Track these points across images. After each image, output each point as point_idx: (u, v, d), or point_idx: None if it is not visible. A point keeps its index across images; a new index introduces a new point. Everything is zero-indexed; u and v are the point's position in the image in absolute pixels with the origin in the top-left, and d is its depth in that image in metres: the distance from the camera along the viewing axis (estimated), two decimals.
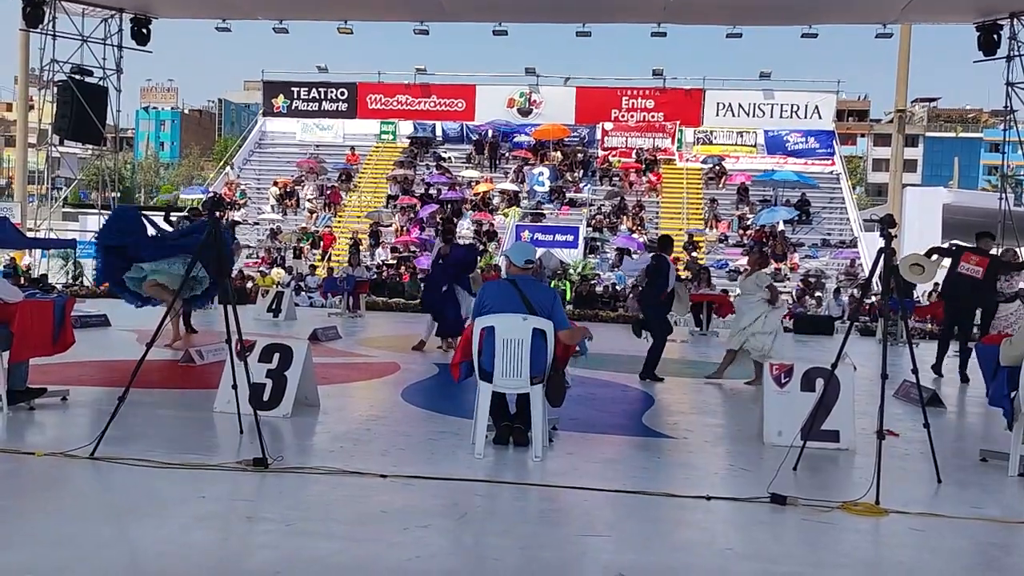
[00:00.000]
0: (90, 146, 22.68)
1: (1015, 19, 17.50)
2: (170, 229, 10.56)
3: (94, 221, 22.28)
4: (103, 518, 3.91)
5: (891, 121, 47.74)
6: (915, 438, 6.27)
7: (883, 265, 4.95)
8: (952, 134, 75.10)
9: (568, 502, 4.45)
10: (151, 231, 9.92)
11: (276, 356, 6.27)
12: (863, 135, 75.27)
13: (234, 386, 5.44)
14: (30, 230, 24.15)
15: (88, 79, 20.65)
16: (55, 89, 20.61)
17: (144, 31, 20.77)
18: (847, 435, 5.83)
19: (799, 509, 4.35)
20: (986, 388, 6.22)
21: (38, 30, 20.08)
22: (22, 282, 18.30)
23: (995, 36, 17.84)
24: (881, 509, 4.33)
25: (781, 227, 28.42)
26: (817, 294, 24.51)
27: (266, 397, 6.06)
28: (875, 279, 5.48)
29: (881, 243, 4.90)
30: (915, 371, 5.20)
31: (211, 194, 30.44)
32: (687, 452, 5.78)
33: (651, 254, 10.89)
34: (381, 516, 4.02)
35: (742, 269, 24.63)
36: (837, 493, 4.65)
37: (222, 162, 38.10)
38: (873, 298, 18.97)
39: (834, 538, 4.00)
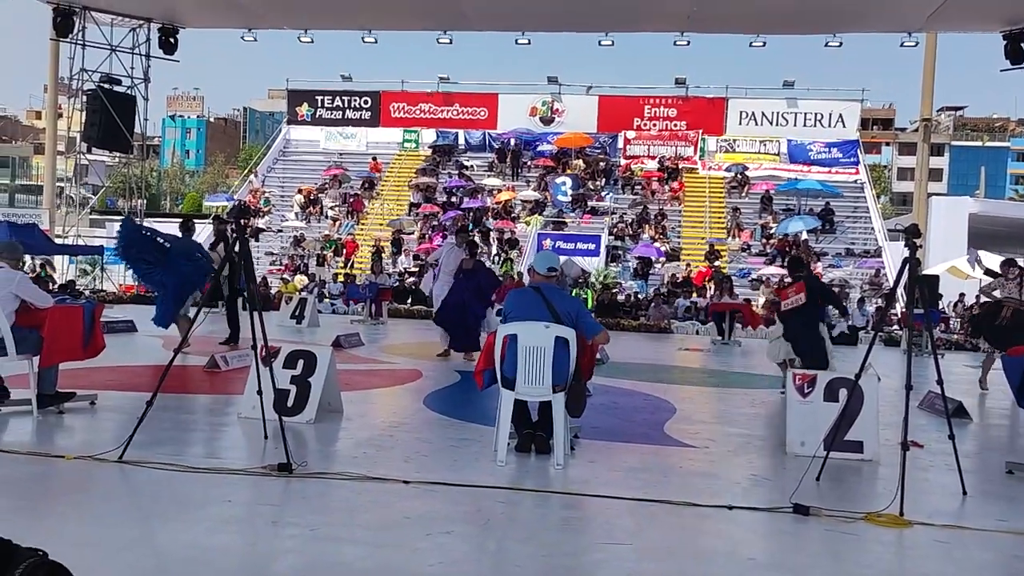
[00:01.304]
0: (118, 154, 22.97)
1: None
2: (179, 237, 10.79)
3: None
4: (130, 521, 3.97)
5: (916, 130, 47.32)
6: (940, 449, 6.22)
7: (908, 276, 4.93)
8: (978, 143, 74.36)
9: (590, 510, 4.46)
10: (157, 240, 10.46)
11: (300, 362, 6.33)
12: (888, 144, 74.70)
13: (259, 392, 5.50)
14: (58, 236, 24.51)
15: (116, 88, 20.94)
16: (84, 98, 20.91)
17: (171, 40, 21.04)
18: (871, 446, 5.80)
19: (822, 520, 4.33)
20: (1015, 399, 6.17)
21: (68, 40, 20.40)
22: (51, 287, 18.57)
23: (1022, 44, 17.67)
24: (905, 520, 4.31)
25: (805, 236, 28.23)
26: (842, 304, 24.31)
27: (290, 403, 6.12)
28: (899, 289, 5.44)
29: (906, 253, 4.87)
30: (940, 382, 5.17)
31: (236, 202, 30.71)
32: (709, 461, 5.77)
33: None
34: (404, 522, 4.05)
35: (765, 279, 24.50)
36: (861, 504, 4.63)
37: (247, 170, 38.45)
38: (898, 308, 18.81)
39: (858, 549, 3.98)
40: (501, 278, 15.07)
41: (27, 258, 22.00)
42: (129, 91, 21.22)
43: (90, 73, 20.81)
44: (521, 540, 3.90)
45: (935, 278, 20.77)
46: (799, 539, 4.12)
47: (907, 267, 4.89)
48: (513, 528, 4.12)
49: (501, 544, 3.87)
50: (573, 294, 18.42)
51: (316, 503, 4.29)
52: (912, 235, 4.78)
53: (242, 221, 5.55)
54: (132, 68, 21.38)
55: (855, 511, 4.43)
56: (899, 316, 19.17)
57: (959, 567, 3.85)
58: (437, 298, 11.49)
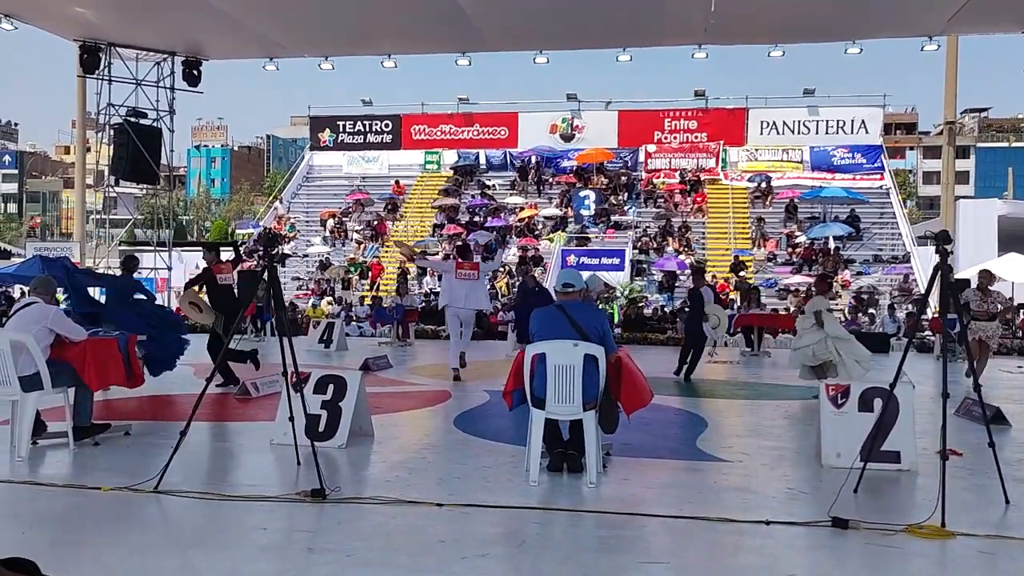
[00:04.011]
0: (145, 185, 23.28)
1: None
2: (116, 277, 9.68)
3: (149, 258, 22.83)
4: (169, 551, 4.00)
5: (940, 133, 46.81)
6: (979, 457, 6.11)
7: (940, 282, 4.87)
8: (1005, 144, 73.45)
9: (626, 529, 4.42)
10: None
11: (331, 387, 6.36)
12: (912, 148, 74.00)
13: (291, 418, 5.53)
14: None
15: (143, 121, 21.26)
16: (111, 132, 21.25)
17: (195, 72, 21.33)
18: (908, 455, 5.71)
19: (862, 533, 4.26)
20: None
21: (95, 76, 20.77)
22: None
23: None
24: (948, 532, 4.23)
25: (832, 244, 27.99)
26: (870, 311, 24.04)
27: (321, 428, 6.14)
28: (931, 296, 5.38)
29: (936, 258, 4.81)
30: (978, 388, 5.09)
31: (262, 228, 30.98)
32: (744, 476, 5.71)
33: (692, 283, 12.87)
34: (439, 545, 4.04)
35: (792, 288, 24.32)
36: (900, 515, 4.55)
37: (272, 197, 38.85)
38: (930, 314, 18.59)
39: (900, 562, 3.92)
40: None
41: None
42: (155, 123, 21.54)
43: (116, 107, 21.13)
44: (558, 561, 3.88)
45: (966, 282, 20.48)
46: (839, 553, 4.06)
47: (939, 274, 4.83)
48: (549, 549, 4.09)
49: (537, 565, 3.85)
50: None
51: (351, 528, 4.30)
52: (943, 241, 4.72)
53: (271, 249, 5.58)
54: (157, 101, 21.69)
55: (895, 523, 4.36)
56: (930, 321, 18.93)
57: None
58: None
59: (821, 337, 9.18)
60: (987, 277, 11.67)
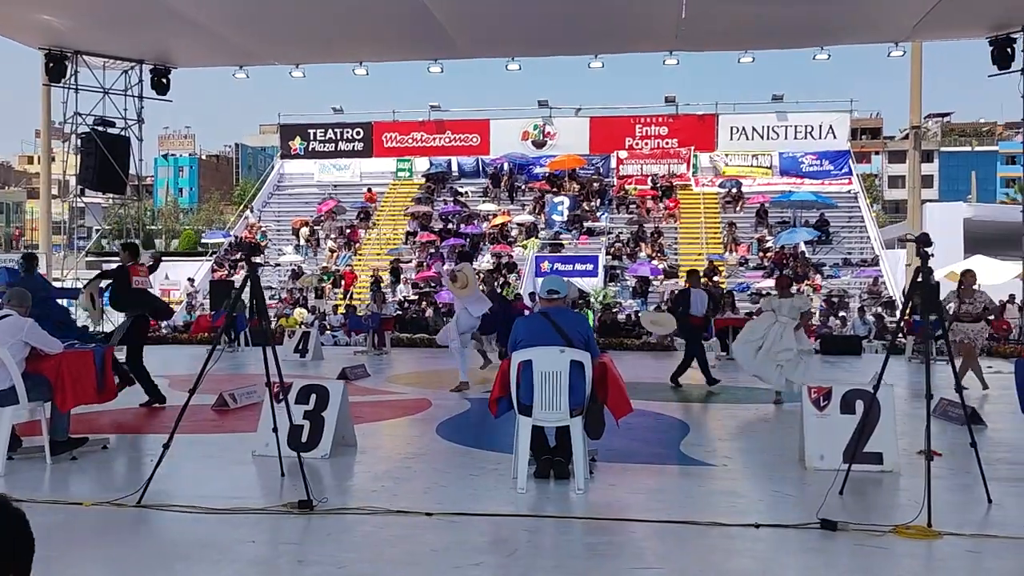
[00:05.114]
0: (112, 195, 22.99)
1: None
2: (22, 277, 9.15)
3: None
4: (156, 566, 3.93)
5: (905, 137, 47.55)
6: (959, 457, 6.20)
7: (921, 284, 4.93)
8: (967, 148, 74.84)
9: (617, 535, 4.42)
10: None
11: (313, 397, 6.30)
12: (877, 153, 75.13)
13: (275, 429, 5.47)
14: (56, 279, 24.44)
15: (110, 130, 21.00)
16: (78, 141, 20.96)
17: (163, 81, 21.13)
18: (890, 457, 5.78)
19: (851, 534, 4.30)
20: (1021, 405, 6.17)
21: (61, 84, 20.47)
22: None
23: (1008, 50, 17.82)
24: (934, 531, 4.28)
25: (802, 248, 28.29)
26: (841, 314, 24.32)
27: (304, 438, 6.07)
28: (903, 297, 5.44)
29: (903, 260, 4.88)
30: (959, 389, 5.15)
31: (233, 237, 30.64)
32: (730, 479, 5.74)
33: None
34: (432, 555, 4.01)
35: (765, 292, 24.52)
36: (887, 516, 4.60)
37: (242, 205, 38.51)
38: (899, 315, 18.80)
39: (890, 563, 3.95)
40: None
41: None
42: (123, 132, 21.28)
43: (83, 116, 20.86)
44: (551, 569, 3.87)
45: (936, 285, 20.79)
46: (830, 556, 4.08)
47: (920, 275, 4.89)
48: (541, 557, 4.08)
49: (531, 573, 3.83)
50: None
51: (341, 539, 4.25)
52: (923, 244, 4.78)
53: (252, 258, 5.52)
54: (125, 110, 21.45)
55: (882, 524, 4.40)
56: (904, 323, 19.16)
57: None
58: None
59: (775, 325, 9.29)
60: (971, 277, 11.39)
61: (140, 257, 9.81)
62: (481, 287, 11.87)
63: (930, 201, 42.67)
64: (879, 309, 24.31)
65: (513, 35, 18.59)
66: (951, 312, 11.03)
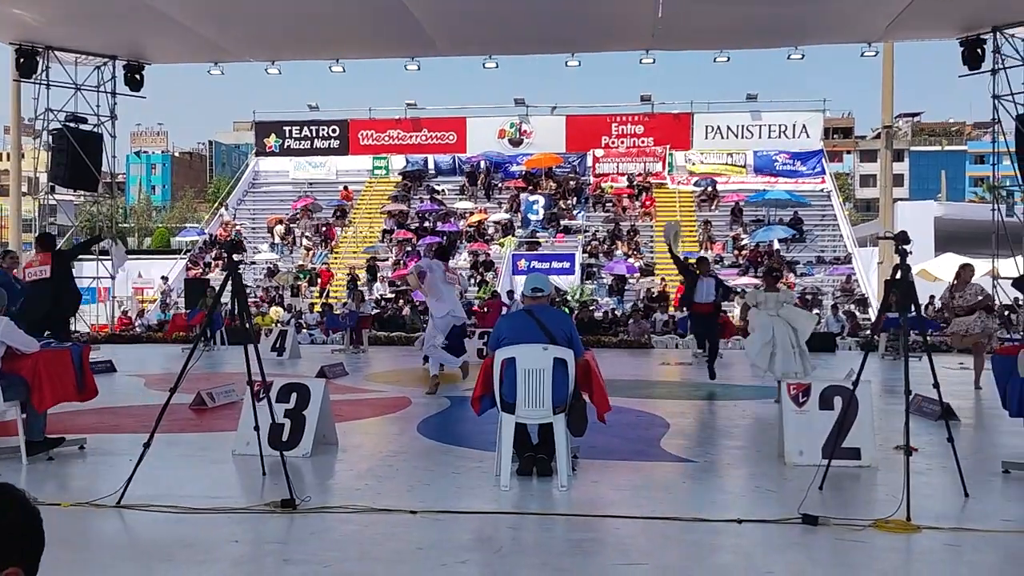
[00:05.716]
0: (84, 193, 22.69)
1: (997, 33, 17.71)
2: None
3: (91, 267, 22.24)
4: (137, 568, 3.89)
5: (877, 137, 48.10)
6: (935, 452, 6.30)
7: (899, 281, 4.99)
8: (937, 148, 75.84)
9: (601, 531, 4.44)
10: None
11: (293, 396, 6.27)
12: (849, 152, 75.94)
13: (256, 427, 5.44)
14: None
15: (83, 127, 20.70)
16: (49, 137, 20.64)
17: (137, 77, 20.85)
18: (868, 452, 5.85)
19: (831, 528, 4.35)
20: (1001, 400, 6.26)
21: (31, 80, 20.15)
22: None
23: (979, 50, 18.07)
24: (914, 526, 4.34)
25: (776, 246, 28.55)
26: (815, 311, 24.57)
27: (285, 437, 6.04)
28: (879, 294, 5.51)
29: (876, 258, 4.95)
30: (936, 385, 5.23)
31: (207, 235, 30.37)
32: (711, 475, 5.78)
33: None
34: (417, 553, 4.01)
35: (740, 289, 24.70)
36: (866, 511, 4.66)
37: (216, 203, 38.19)
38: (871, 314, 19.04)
39: (871, 557, 4.00)
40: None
41: None
42: (96, 129, 21.00)
43: (55, 112, 20.55)
44: (537, 566, 3.87)
45: (910, 282, 21.05)
46: (812, 550, 4.12)
47: (899, 273, 4.96)
48: (527, 554, 4.09)
49: (517, 571, 3.83)
50: None
51: (325, 538, 4.23)
52: (902, 242, 4.84)
53: (234, 256, 5.48)
54: (98, 106, 21.16)
55: (862, 518, 4.45)
56: (874, 321, 19.38)
57: (973, 570, 3.89)
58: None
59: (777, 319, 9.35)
60: (968, 272, 11.21)
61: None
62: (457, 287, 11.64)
63: (901, 200, 43.16)
64: (851, 306, 24.60)
65: (490, 34, 18.56)
66: (943, 304, 10.90)
